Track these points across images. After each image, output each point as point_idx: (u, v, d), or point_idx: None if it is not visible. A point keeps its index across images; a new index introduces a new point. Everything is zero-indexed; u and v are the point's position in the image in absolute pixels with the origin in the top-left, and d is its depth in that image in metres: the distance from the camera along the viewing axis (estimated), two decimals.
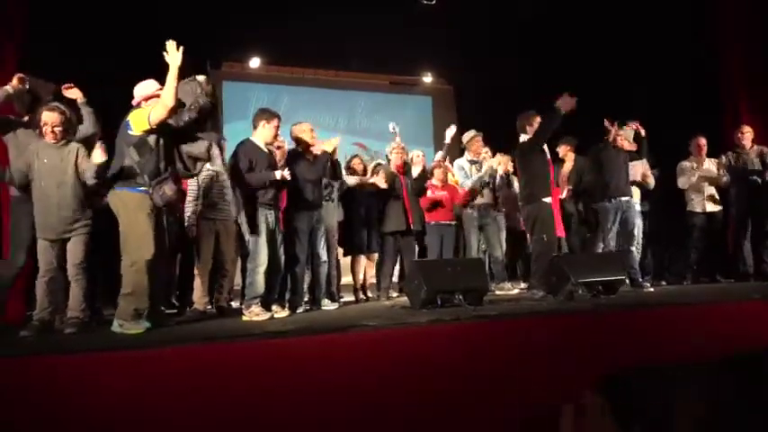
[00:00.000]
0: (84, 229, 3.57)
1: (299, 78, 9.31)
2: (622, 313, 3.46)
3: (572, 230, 6.01)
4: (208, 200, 4.72)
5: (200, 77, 3.63)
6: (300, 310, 4.52)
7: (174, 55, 3.35)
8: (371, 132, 9.37)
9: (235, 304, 5.21)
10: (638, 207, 5.61)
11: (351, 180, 5.49)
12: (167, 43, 3.37)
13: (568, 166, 6.12)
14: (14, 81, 3.77)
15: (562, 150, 6.17)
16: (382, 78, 9.81)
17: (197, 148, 3.68)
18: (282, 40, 7.80)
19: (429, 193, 5.91)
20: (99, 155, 3.40)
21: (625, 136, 5.38)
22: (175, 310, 4.81)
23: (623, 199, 5.27)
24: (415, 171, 5.76)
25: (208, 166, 4.43)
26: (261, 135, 4.33)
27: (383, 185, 5.43)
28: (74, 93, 3.95)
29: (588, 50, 7.43)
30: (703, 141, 6.07)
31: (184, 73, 3.47)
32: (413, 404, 2.43)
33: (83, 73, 4.28)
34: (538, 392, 2.56)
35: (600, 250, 5.38)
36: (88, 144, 3.75)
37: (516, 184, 5.73)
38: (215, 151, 4.44)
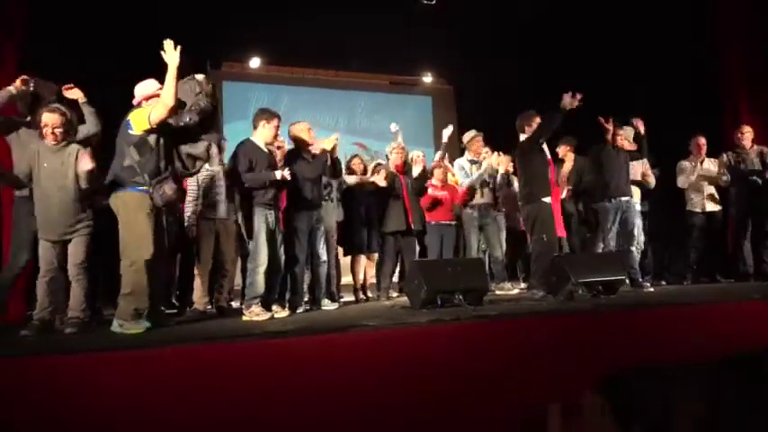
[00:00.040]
0: (86, 229, 3.58)
1: (299, 78, 9.31)
2: (622, 313, 3.46)
3: (572, 230, 6.02)
4: (208, 200, 4.72)
5: (199, 76, 3.63)
6: (300, 310, 4.52)
7: (171, 54, 3.35)
8: (371, 132, 9.37)
9: (235, 304, 5.21)
10: (638, 207, 5.61)
11: (351, 179, 5.49)
12: (165, 42, 3.37)
13: (568, 166, 6.13)
14: (18, 82, 3.78)
15: (562, 150, 6.17)
16: (382, 78, 9.81)
17: (196, 148, 3.68)
18: (282, 40, 7.80)
19: (430, 191, 5.92)
20: (87, 162, 3.41)
21: (625, 136, 5.38)
22: (175, 310, 4.81)
23: (623, 199, 5.27)
24: (416, 171, 5.76)
25: (207, 166, 4.43)
26: (261, 135, 4.33)
27: (383, 183, 5.44)
28: (74, 93, 3.96)
29: (588, 50, 7.42)
30: (703, 141, 6.07)
31: (184, 72, 3.47)
32: (413, 404, 2.43)
33: (83, 73, 4.28)
34: (538, 392, 2.56)
35: (600, 250, 5.38)
36: (90, 144, 3.77)
37: (516, 184, 5.73)
38: (213, 150, 4.44)
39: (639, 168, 5.82)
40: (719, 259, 6.17)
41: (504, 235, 5.94)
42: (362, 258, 5.53)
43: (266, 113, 4.37)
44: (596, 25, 7.32)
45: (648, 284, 5.33)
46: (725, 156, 5.92)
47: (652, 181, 5.98)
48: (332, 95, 9.44)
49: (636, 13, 7.07)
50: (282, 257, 4.33)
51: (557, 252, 4.92)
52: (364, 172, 5.68)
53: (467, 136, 6.07)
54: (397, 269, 5.85)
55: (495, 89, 8.13)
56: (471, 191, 5.85)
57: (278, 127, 4.39)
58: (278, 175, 4.18)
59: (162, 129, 3.47)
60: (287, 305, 4.44)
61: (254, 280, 4.07)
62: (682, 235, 6.12)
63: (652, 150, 5.58)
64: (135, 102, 3.62)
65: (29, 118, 3.84)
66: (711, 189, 6.01)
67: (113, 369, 2.33)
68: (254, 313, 3.96)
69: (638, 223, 5.45)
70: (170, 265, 4.72)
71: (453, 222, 6.01)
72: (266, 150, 4.35)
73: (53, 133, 3.50)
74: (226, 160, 4.76)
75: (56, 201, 3.49)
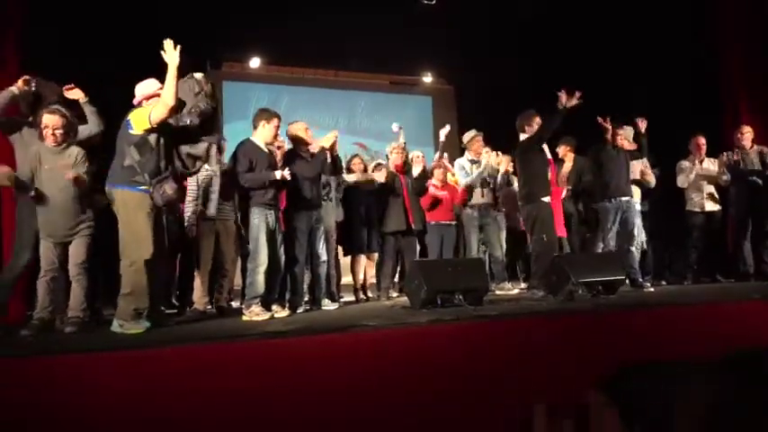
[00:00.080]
0: (87, 230, 3.59)
1: (299, 78, 9.32)
2: (622, 313, 3.45)
3: (572, 230, 6.02)
4: (207, 200, 4.71)
5: (198, 75, 3.62)
6: (300, 310, 4.51)
7: (171, 54, 3.35)
8: (371, 132, 9.37)
9: (235, 304, 5.21)
10: (638, 207, 5.61)
11: (350, 177, 5.48)
12: (165, 42, 3.37)
13: (568, 166, 6.13)
14: (20, 82, 3.78)
15: (562, 150, 6.18)
16: (382, 78, 9.81)
17: (196, 148, 3.68)
18: (282, 40, 7.80)
19: (431, 190, 5.92)
20: (67, 173, 3.42)
21: (625, 135, 5.38)
22: (175, 310, 4.81)
23: (623, 199, 5.26)
24: (416, 171, 5.76)
25: (207, 166, 4.43)
26: (261, 135, 4.33)
27: (382, 179, 5.44)
28: (75, 93, 3.96)
29: (588, 50, 7.42)
30: (702, 141, 6.07)
31: (183, 72, 3.47)
32: (413, 404, 2.43)
33: (83, 73, 4.28)
34: (538, 392, 2.56)
35: (600, 250, 5.38)
36: (93, 143, 3.77)
37: (516, 184, 5.73)
38: (213, 151, 4.44)
39: (638, 167, 5.82)
40: (720, 259, 6.17)
41: (504, 235, 5.94)
42: (362, 258, 5.53)
43: (266, 113, 4.37)
44: (596, 25, 7.32)
45: (649, 284, 5.33)
46: (725, 155, 5.92)
47: (652, 180, 5.98)
48: (332, 95, 9.45)
49: (636, 13, 7.07)
50: (282, 257, 4.33)
51: (557, 252, 4.92)
52: (364, 172, 5.68)
53: (467, 136, 6.07)
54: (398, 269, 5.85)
55: (495, 89, 8.13)
56: (470, 190, 5.85)
57: (278, 127, 4.39)
58: (278, 175, 4.18)
59: (162, 128, 3.47)
60: (287, 305, 4.44)
61: (254, 280, 4.07)
62: (682, 235, 6.12)
63: (652, 150, 5.58)
64: (135, 101, 3.63)
65: (31, 118, 3.85)
66: (711, 189, 6.01)
67: (113, 369, 2.33)
68: (254, 313, 3.96)
69: (639, 223, 5.45)
70: (170, 265, 4.72)
71: (453, 222, 6.02)
72: (266, 150, 4.35)
73: (53, 134, 3.50)
74: (226, 160, 4.76)
75: (57, 204, 3.49)
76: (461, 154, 6.27)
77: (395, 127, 5.77)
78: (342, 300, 5.34)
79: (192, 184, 4.67)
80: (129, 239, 3.39)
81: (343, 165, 5.37)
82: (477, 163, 5.90)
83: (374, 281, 5.74)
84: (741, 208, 5.84)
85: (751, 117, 6.43)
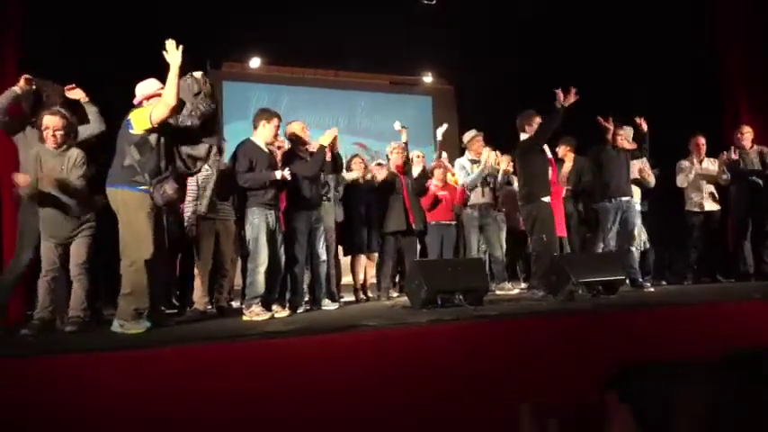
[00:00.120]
0: (89, 230, 3.60)
1: (299, 78, 9.32)
2: (622, 313, 3.46)
3: (572, 230, 6.02)
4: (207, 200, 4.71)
5: (197, 74, 3.62)
6: (301, 309, 4.52)
7: (173, 54, 3.36)
8: (372, 132, 9.37)
9: (235, 304, 5.21)
10: (638, 207, 5.61)
11: (349, 175, 5.48)
12: (167, 42, 3.37)
13: (568, 166, 6.13)
14: (21, 82, 3.78)
15: (562, 151, 6.17)
16: (382, 78, 9.81)
17: (197, 150, 3.68)
18: (282, 40, 7.80)
19: (433, 187, 5.92)
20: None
21: (625, 135, 5.38)
22: (175, 310, 4.81)
23: (623, 199, 5.26)
24: (415, 171, 5.76)
25: (206, 166, 4.42)
26: (261, 135, 4.33)
27: (381, 177, 5.45)
28: (77, 93, 3.97)
29: (588, 50, 7.42)
30: (702, 140, 6.07)
31: (183, 72, 3.47)
32: (413, 404, 2.43)
33: (83, 73, 4.29)
34: (538, 392, 2.56)
35: (600, 250, 5.38)
36: (93, 143, 3.77)
37: (516, 184, 5.73)
38: (213, 151, 4.43)
39: (637, 166, 5.81)
40: (720, 259, 6.17)
41: (504, 235, 5.94)
42: (362, 258, 5.53)
43: (266, 113, 4.37)
44: (596, 25, 7.31)
45: (649, 284, 5.33)
46: (724, 154, 5.92)
47: (651, 180, 5.97)
48: (332, 95, 9.45)
49: (636, 13, 7.07)
50: (283, 257, 4.33)
51: (557, 252, 4.92)
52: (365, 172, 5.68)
53: (467, 136, 6.07)
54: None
55: (496, 89, 8.13)
56: (471, 189, 5.84)
57: (278, 127, 4.40)
58: (278, 175, 4.18)
59: (162, 128, 3.47)
60: (287, 305, 4.44)
61: (255, 280, 4.07)
62: (682, 235, 6.12)
63: (652, 150, 5.58)
64: (135, 101, 3.63)
65: (34, 119, 3.85)
66: (711, 188, 6.01)
67: (114, 369, 2.33)
68: (255, 313, 3.96)
69: (639, 223, 5.45)
70: (170, 265, 4.72)
71: (453, 222, 6.02)
72: (266, 150, 4.35)
73: (54, 136, 3.50)
74: (226, 161, 4.76)
75: (58, 206, 3.49)
76: (461, 154, 6.27)
77: (397, 125, 5.77)
78: (342, 300, 5.34)
79: (191, 184, 4.67)
80: (130, 239, 3.39)
81: (344, 163, 5.37)
82: (478, 162, 5.90)
83: (374, 281, 5.74)
84: (741, 208, 5.84)
85: (751, 117, 6.42)
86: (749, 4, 6.70)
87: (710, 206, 5.99)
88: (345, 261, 5.73)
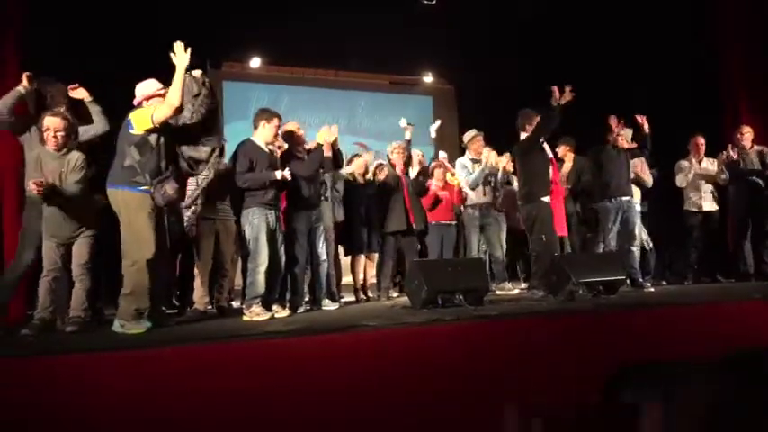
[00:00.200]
0: (90, 231, 3.59)
1: (299, 78, 9.31)
2: (622, 313, 3.46)
3: (572, 230, 6.02)
4: (207, 200, 4.71)
5: (196, 72, 3.61)
6: (301, 309, 4.52)
7: (181, 56, 3.37)
8: (372, 132, 9.37)
9: (235, 304, 5.21)
10: (638, 207, 5.61)
11: (346, 170, 5.45)
12: (175, 45, 3.38)
13: (568, 166, 6.13)
14: (24, 81, 3.79)
15: (561, 151, 6.17)
16: (382, 78, 9.80)
17: (199, 152, 3.68)
18: (282, 40, 7.79)
19: (433, 187, 5.92)
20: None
21: (624, 136, 5.38)
22: (176, 310, 4.81)
23: (624, 199, 5.27)
24: (415, 171, 5.76)
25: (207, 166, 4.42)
26: (261, 135, 4.33)
27: (382, 176, 5.46)
28: (80, 93, 3.97)
29: (588, 50, 7.42)
30: (701, 140, 6.08)
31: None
32: (413, 404, 2.43)
33: (83, 73, 4.28)
34: (538, 392, 2.56)
35: (600, 250, 5.38)
36: (94, 143, 3.77)
37: (516, 184, 5.73)
38: (215, 153, 4.43)
39: (637, 165, 5.81)
40: (720, 259, 6.17)
41: (504, 235, 5.94)
42: (362, 258, 5.52)
43: (266, 113, 4.37)
44: (596, 25, 7.32)
45: (649, 284, 5.33)
46: (723, 154, 5.92)
47: (648, 180, 5.96)
48: (332, 95, 9.44)
49: (636, 12, 7.07)
50: (283, 258, 4.33)
51: (557, 252, 4.92)
52: (365, 172, 5.68)
53: (467, 135, 6.07)
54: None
55: (496, 89, 8.12)
56: (473, 188, 5.84)
57: (278, 127, 4.39)
58: (278, 175, 4.18)
59: (163, 128, 3.47)
60: (287, 305, 4.44)
61: (255, 280, 4.07)
62: (682, 235, 6.12)
63: (652, 150, 5.58)
64: (135, 102, 3.62)
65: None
66: (710, 188, 6.01)
67: (114, 369, 2.34)
68: (255, 313, 3.96)
69: (639, 223, 5.45)
70: (171, 266, 4.71)
71: (454, 222, 6.02)
72: (267, 150, 4.35)
73: (54, 137, 3.49)
74: (226, 161, 4.76)
75: (60, 209, 3.49)
76: (461, 154, 6.27)
77: (403, 122, 5.76)
78: (342, 300, 5.34)
79: (191, 184, 4.67)
80: (131, 240, 3.39)
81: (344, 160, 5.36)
82: (478, 162, 5.90)
83: (374, 281, 5.74)
84: (741, 208, 5.84)
85: (751, 117, 6.43)
86: (749, 4, 6.70)
87: (709, 206, 5.99)
88: (345, 261, 5.73)
